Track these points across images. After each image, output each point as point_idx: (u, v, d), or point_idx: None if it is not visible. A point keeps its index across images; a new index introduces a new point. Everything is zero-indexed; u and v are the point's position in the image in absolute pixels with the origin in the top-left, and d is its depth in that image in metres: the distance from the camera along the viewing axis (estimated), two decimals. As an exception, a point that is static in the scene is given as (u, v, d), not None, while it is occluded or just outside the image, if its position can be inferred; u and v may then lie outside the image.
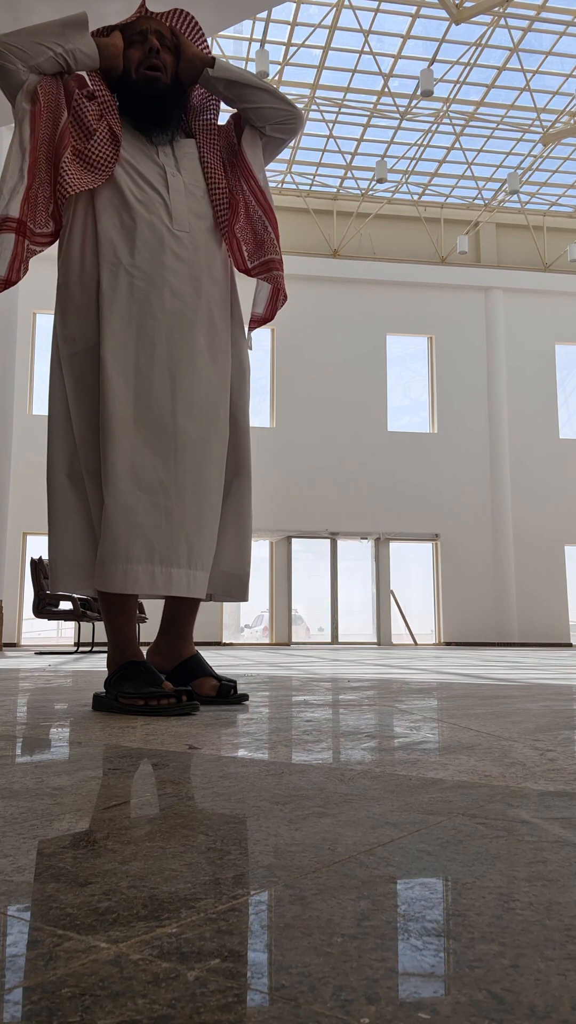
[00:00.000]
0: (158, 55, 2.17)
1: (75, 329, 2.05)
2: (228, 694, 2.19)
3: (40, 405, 15.11)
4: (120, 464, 1.94)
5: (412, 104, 14.04)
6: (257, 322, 2.34)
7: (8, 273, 2.00)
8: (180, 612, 2.26)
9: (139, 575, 1.93)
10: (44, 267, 15.39)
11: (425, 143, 15.20)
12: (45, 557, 9.56)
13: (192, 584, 2.02)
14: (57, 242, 2.17)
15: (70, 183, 2.03)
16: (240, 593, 2.23)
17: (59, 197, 2.05)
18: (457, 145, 15.20)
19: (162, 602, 2.33)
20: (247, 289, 2.47)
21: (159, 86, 2.17)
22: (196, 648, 2.33)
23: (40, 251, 2.09)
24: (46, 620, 9.77)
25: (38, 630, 16.90)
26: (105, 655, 8.00)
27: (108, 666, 2.11)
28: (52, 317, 13.41)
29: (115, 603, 2.08)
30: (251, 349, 2.37)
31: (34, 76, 2.03)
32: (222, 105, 2.33)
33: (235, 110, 2.28)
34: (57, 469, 2.05)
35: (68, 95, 2.10)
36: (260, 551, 15.62)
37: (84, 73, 2.17)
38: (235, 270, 2.33)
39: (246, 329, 2.34)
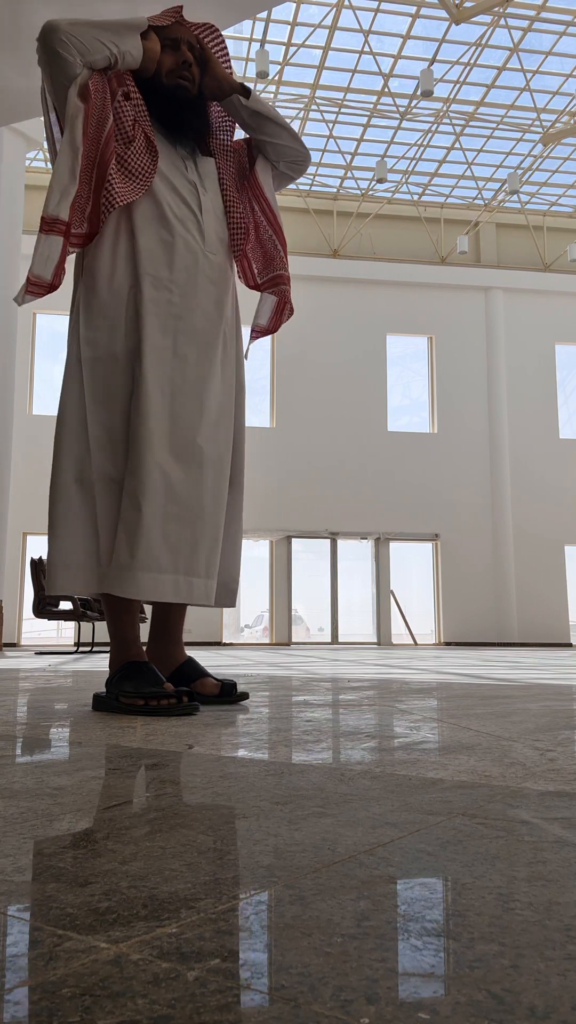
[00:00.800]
0: (190, 68, 2.18)
1: (100, 333, 2.04)
2: (230, 693, 2.20)
3: (40, 405, 15.11)
4: (156, 476, 1.98)
5: (412, 104, 14.04)
6: (260, 333, 2.38)
7: (53, 278, 1.99)
8: (171, 618, 2.29)
9: (166, 584, 1.98)
10: (44, 267, 15.33)
11: (425, 143, 15.20)
12: (45, 557, 9.58)
13: (208, 593, 2.07)
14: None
15: (118, 194, 2.02)
16: (230, 601, 2.27)
17: (105, 206, 2.02)
18: (457, 145, 15.19)
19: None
20: (247, 300, 2.48)
21: (188, 95, 2.18)
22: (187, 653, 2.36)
23: (73, 253, 2.09)
24: (46, 620, 9.77)
25: (38, 630, 16.89)
26: (105, 655, 8.00)
27: (110, 666, 2.11)
28: (53, 317, 13.31)
29: (120, 603, 2.09)
30: (246, 359, 2.41)
31: (85, 71, 2.01)
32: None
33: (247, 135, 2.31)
34: (65, 472, 2.01)
35: (112, 94, 2.08)
36: (260, 551, 15.62)
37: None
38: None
39: (246, 341, 2.38)
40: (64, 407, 2.04)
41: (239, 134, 2.38)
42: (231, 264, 2.28)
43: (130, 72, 2.13)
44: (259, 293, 2.40)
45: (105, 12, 5.94)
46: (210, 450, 2.10)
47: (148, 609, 9.46)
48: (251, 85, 13.39)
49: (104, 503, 2.00)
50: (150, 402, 2.00)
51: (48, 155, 2.27)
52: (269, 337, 16.03)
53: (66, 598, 9.13)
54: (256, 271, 2.34)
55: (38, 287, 1.98)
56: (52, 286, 2.00)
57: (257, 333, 2.39)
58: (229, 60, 2.31)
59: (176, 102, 2.16)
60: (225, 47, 2.31)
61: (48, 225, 1.95)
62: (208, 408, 2.11)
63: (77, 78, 1.99)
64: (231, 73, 2.29)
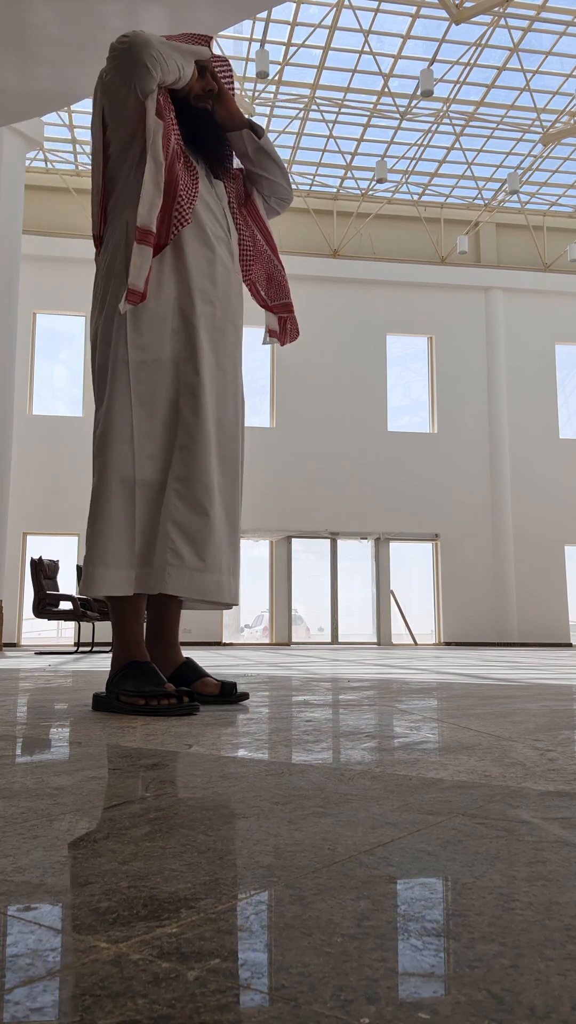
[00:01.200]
0: (212, 95, 2.29)
1: (148, 339, 2.09)
2: (230, 693, 2.21)
3: (40, 405, 15.11)
4: (215, 482, 2.09)
5: (412, 104, 14.04)
6: (273, 335, 2.56)
7: (144, 287, 2.03)
8: (168, 619, 2.30)
9: (223, 584, 2.10)
10: (44, 267, 15.41)
11: (425, 143, 15.20)
12: (45, 557, 9.57)
13: (238, 592, 2.23)
14: (102, 249, 2.22)
15: (187, 210, 2.11)
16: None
17: (177, 221, 2.10)
18: (457, 145, 15.19)
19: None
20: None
21: (212, 120, 2.29)
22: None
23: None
24: (46, 620, 9.77)
25: (38, 630, 16.89)
26: (105, 655, 8.00)
27: (112, 664, 2.12)
28: (53, 317, 13.29)
29: (128, 604, 2.10)
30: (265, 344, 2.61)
31: (156, 89, 2.09)
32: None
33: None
34: (113, 473, 2.03)
35: (166, 112, 2.15)
36: (260, 551, 15.62)
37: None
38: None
39: (264, 335, 2.56)
40: (111, 408, 2.06)
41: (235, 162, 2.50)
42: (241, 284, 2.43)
43: (166, 91, 2.21)
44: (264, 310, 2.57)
45: (104, 12, 5.94)
46: (239, 454, 2.25)
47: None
48: (251, 85, 13.41)
49: (144, 506, 2.04)
50: (206, 411, 2.10)
51: (94, 159, 2.32)
52: (269, 337, 16.02)
53: (66, 598, 9.13)
54: (263, 292, 2.49)
55: (135, 295, 2.03)
56: (144, 295, 2.04)
57: (272, 334, 2.56)
58: (234, 90, 2.44)
59: (202, 125, 2.26)
60: (234, 81, 2.43)
61: (141, 235, 2.02)
62: (240, 417, 2.26)
63: (152, 94, 2.07)
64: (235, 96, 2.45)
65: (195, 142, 2.24)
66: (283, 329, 2.53)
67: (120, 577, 2.00)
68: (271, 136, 14.88)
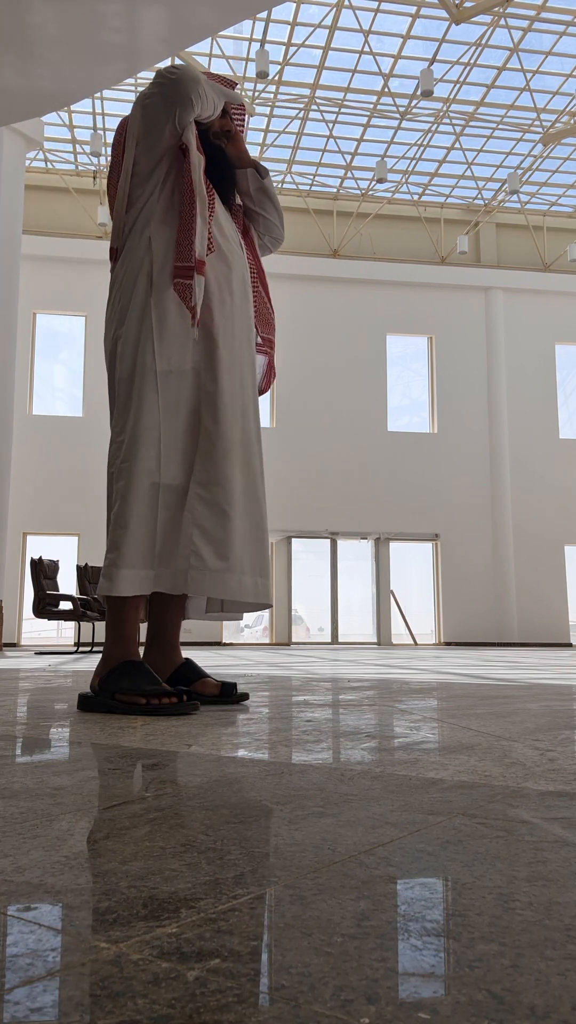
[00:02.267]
0: (228, 134, 2.42)
1: (172, 351, 2.18)
2: (230, 693, 2.22)
3: (40, 405, 15.11)
4: (237, 485, 2.16)
5: (412, 104, 14.04)
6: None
7: (200, 311, 2.15)
8: (169, 620, 2.32)
9: (247, 584, 2.15)
10: (44, 267, 15.40)
11: (425, 143, 15.20)
12: (45, 557, 9.57)
13: (271, 592, 2.27)
14: (119, 261, 2.30)
15: (215, 238, 2.24)
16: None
17: (208, 247, 2.20)
18: (457, 145, 15.19)
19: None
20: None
21: (222, 155, 2.40)
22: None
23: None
24: (46, 620, 9.78)
25: (38, 630, 16.89)
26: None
27: (104, 662, 2.09)
28: (53, 317, 13.31)
29: (128, 602, 2.10)
30: None
31: (192, 122, 2.20)
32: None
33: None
34: (143, 475, 2.10)
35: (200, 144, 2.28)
36: (260, 551, 15.60)
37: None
38: None
39: None
40: (140, 415, 2.13)
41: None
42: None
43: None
44: None
45: (104, 12, 5.94)
46: (260, 459, 2.32)
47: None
48: (251, 85, 13.41)
49: (166, 509, 2.10)
50: (226, 417, 2.18)
51: (123, 172, 2.41)
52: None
53: (66, 598, 9.13)
54: (257, 325, 2.55)
55: (195, 319, 2.15)
56: (199, 321, 2.17)
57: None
58: (244, 132, 2.56)
59: (218, 158, 2.38)
60: (244, 124, 2.55)
61: (199, 267, 2.15)
62: (257, 421, 2.35)
63: (190, 126, 2.19)
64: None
65: (213, 175, 2.34)
66: (267, 374, 2.60)
67: (142, 577, 2.06)
68: (271, 136, 14.90)
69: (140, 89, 12.89)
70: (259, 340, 2.54)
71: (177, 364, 2.17)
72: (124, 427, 2.15)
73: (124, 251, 2.28)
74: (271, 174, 16.43)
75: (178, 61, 10.93)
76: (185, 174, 2.20)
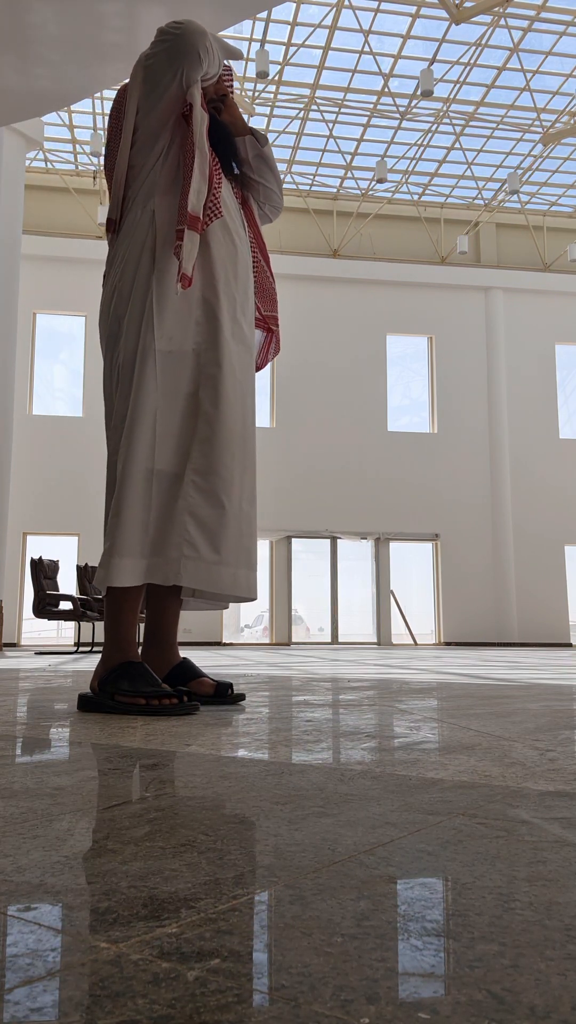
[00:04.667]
0: (223, 100, 2.33)
1: (172, 330, 2.10)
2: (226, 694, 2.20)
3: (40, 405, 15.11)
4: (235, 474, 2.10)
5: (412, 104, 14.04)
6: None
7: (192, 271, 2.04)
8: (167, 620, 2.29)
9: (240, 578, 2.10)
10: (44, 267, 15.40)
11: (425, 143, 15.20)
12: (45, 557, 9.57)
13: (256, 585, 2.22)
14: (120, 240, 2.21)
15: (220, 207, 2.14)
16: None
17: (212, 212, 2.12)
18: (457, 145, 15.19)
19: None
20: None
21: (219, 122, 2.30)
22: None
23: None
24: (46, 620, 9.77)
25: (38, 630, 16.90)
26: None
27: (103, 663, 2.07)
28: (53, 317, 13.29)
29: (129, 602, 2.09)
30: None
31: (198, 80, 2.10)
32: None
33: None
34: (139, 462, 2.03)
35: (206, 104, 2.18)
36: (260, 551, 15.57)
37: None
38: None
39: None
40: (140, 397, 2.05)
41: None
42: None
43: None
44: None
45: (104, 12, 5.94)
46: (255, 451, 2.26)
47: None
48: (251, 85, 13.41)
49: (159, 496, 2.03)
50: (228, 403, 2.11)
51: (122, 141, 2.30)
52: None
53: (66, 598, 9.13)
54: (259, 302, 2.48)
55: (187, 280, 2.04)
56: (192, 280, 2.06)
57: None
58: (233, 94, 2.47)
59: (217, 126, 2.28)
60: (233, 86, 2.46)
61: (192, 222, 2.04)
62: (253, 413, 2.28)
63: (196, 84, 2.09)
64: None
65: (213, 144, 2.24)
66: (267, 345, 2.53)
67: (132, 566, 1.99)
68: (271, 136, 14.89)
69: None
70: (258, 316, 2.46)
71: (178, 344, 2.09)
72: (122, 413, 2.07)
73: (125, 225, 2.18)
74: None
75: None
76: (188, 133, 2.09)
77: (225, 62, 2.27)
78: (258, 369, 2.47)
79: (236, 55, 2.27)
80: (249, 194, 2.45)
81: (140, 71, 2.12)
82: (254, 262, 2.41)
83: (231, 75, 2.39)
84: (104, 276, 2.24)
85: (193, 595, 2.29)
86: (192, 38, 2.05)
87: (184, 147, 2.12)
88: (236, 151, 2.38)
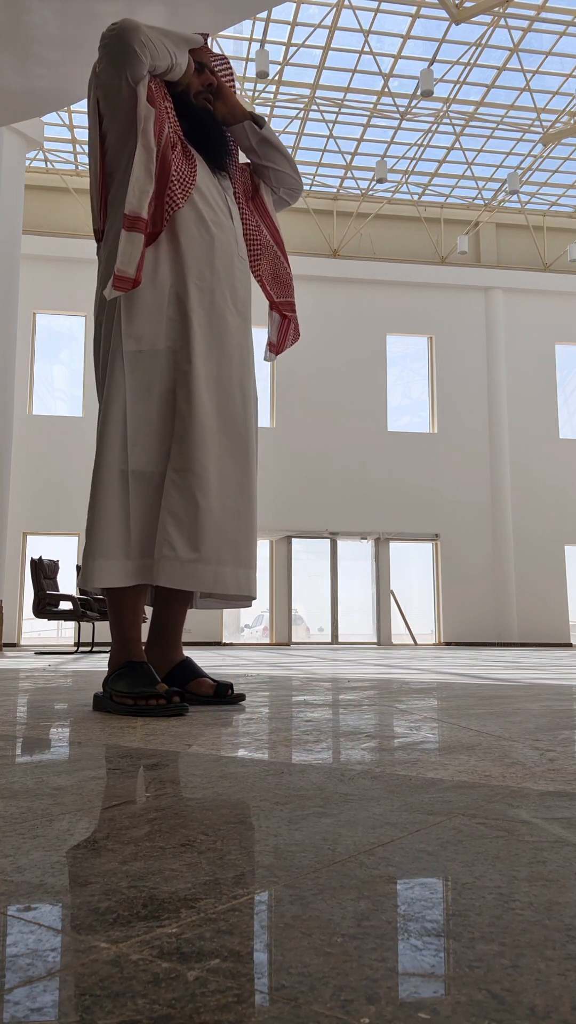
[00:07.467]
0: (211, 91, 2.29)
1: (143, 329, 2.08)
2: (225, 694, 2.20)
3: (40, 405, 15.10)
4: (211, 471, 2.05)
5: (412, 104, 14.04)
6: (273, 348, 2.54)
7: (136, 272, 2.01)
8: (172, 619, 2.29)
9: (227, 576, 2.06)
10: (44, 267, 15.39)
11: (425, 143, 15.20)
12: (45, 557, 9.57)
13: (255, 584, 2.17)
14: (103, 240, 2.20)
15: (179, 196, 2.10)
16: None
17: (168, 207, 2.09)
18: (457, 145, 15.19)
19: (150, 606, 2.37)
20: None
21: (212, 116, 2.29)
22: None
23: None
24: (46, 620, 9.77)
25: (38, 630, 16.89)
26: (104, 655, 8.00)
27: (109, 664, 2.11)
28: (52, 317, 13.28)
29: (127, 602, 2.09)
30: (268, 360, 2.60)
31: (147, 76, 2.07)
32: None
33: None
34: (111, 464, 2.03)
35: (159, 100, 2.14)
36: (260, 551, 15.56)
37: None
38: None
39: (259, 351, 2.53)
40: (109, 400, 2.06)
41: (241, 157, 2.48)
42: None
43: (164, 83, 2.20)
44: (266, 313, 2.56)
45: (104, 12, 5.94)
46: (252, 446, 2.21)
47: (147, 610, 9.43)
48: (251, 85, 13.41)
49: (139, 497, 2.03)
50: (200, 398, 2.07)
51: (91, 153, 2.31)
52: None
53: (67, 597, 9.13)
54: (270, 289, 2.46)
55: (124, 282, 2.01)
56: (136, 281, 2.02)
57: (271, 348, 2.54)
58: (234, 87, 2.43)
59: (203, 122, 2.26)
60: (234, 78, 2.43)
61: (131, 222, 2.01)
62: (248, 403, 2.22)
63: (143, 80, 2.06)
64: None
65: (197, 139, 2.23)
66: (284, 332, 2.51)
67: (115, 568, 1.98)
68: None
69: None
70: (280, 300, 2.45)
71: (149, 344, 2.07)
72: (100, 415, 2.09)
73: (106, 231, 2.20)
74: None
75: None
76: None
77: (199, 44, 2.24)
78: (277, 354, 2.48)
79: (195, 42, 2.22)
80: (261, 182, 2.42)
81: (94, 79, 2.13)
82: (265, 250, 2.39)
83: (227, 65, 2.37)
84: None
85: (201, 595, 2.30)
86: (125, 36, 2.02)
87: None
88: (231, 145, 2.36)
